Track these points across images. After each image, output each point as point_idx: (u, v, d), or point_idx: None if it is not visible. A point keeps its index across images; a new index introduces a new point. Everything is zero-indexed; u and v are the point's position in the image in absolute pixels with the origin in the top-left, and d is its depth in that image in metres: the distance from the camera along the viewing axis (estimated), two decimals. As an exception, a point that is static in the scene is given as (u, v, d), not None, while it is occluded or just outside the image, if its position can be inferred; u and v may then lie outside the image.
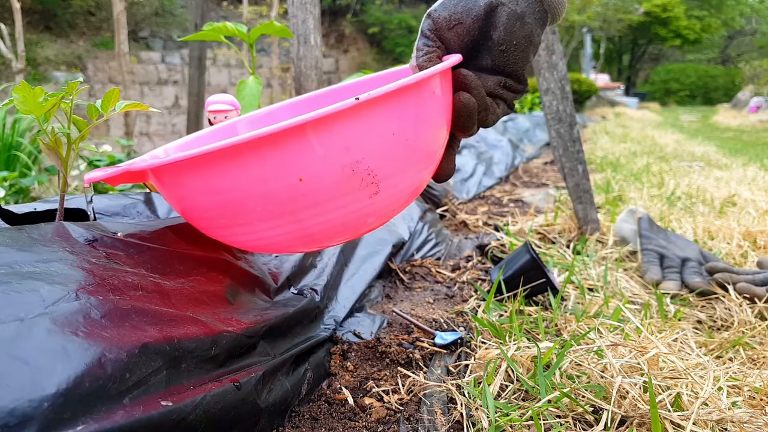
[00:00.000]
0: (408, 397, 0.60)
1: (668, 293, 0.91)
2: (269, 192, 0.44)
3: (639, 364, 0.57)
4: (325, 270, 0.78)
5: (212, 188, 0.45)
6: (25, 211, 0.59)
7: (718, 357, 0.71)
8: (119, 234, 0.51)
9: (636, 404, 0.52)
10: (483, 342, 0.71)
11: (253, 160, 0.42)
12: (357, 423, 0.55)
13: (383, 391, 0.61)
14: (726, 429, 0.51)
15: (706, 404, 0.52)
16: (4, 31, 2.82)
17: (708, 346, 0.73)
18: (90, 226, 0.50)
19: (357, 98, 0.41)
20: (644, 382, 0.54)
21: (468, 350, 0.71)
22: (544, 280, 0.83)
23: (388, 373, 0.65)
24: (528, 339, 0.70)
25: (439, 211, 1.48)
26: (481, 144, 2.34)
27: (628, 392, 0.53)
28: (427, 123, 0.47)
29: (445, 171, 0.54)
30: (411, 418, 0.56)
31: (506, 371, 0.61)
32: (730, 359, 0.70)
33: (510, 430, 0.51)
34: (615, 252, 1.11)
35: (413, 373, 0.64)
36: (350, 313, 0.80)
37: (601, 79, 11.27)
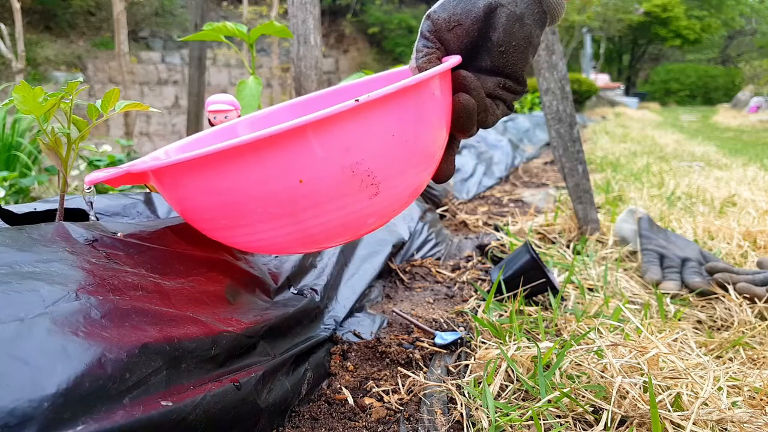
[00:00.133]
0: (408, 397, 0.60)
1: (668, 293, 0.91)
2: (269, 193, 0.44)
3: (639, 364, 0.57)
4: (325, 270, 0.78)
5: (213, 190, 0.45)
6: (25, 211, 0.59)
7: (718, 357, 0.71)
8: (119, 234, 0.51)
9: (636, 404, 0.52)
10: (483, 342, 0.71)
11: (254, 161, 0.42)
12: (357, 423, 0.55)
13: (383, 391, 0.61)
14: (726, 429, 0.51)
15: (706, 404, 0.53)
16: (4, 31, 2.82)
17: (708, 346, 0.73)
18: (90, 226, 0.50)
19: (357, 100, 0.41)
20: (644, 382, 0.54)
21: (468, 350, 0.71)
22: (544, 280, 0.83)
23: (388, 373, 0.65)
24: (528, 339, 0.70)
25: (439, 211, 1.48)
26: (481, 144, 2.34)
27: (628, 392, 0.53)
28: (426, 124, 0.47)
29: (444, 172, 0.54)
30: (411, 418, 0.56)
31: (506, 371, 0.61)
32: (730, 359, 0.70)
33: (510, 430, 0.51)
34: (615, 252, 1.11)
35: (413, 373, 0.64)
36: (350, 313, 0.80)
37: (601, 79, 11.27)
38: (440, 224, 1.33)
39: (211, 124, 0.74)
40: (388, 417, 0.56)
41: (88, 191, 0.53)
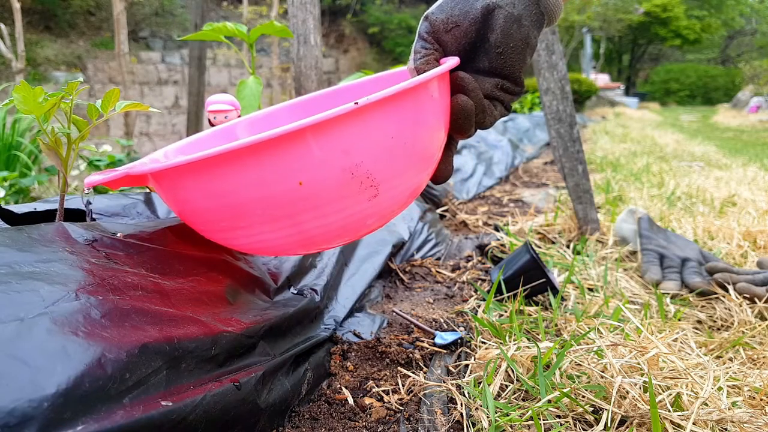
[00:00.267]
0: (408, 397, 0.60)
1: (668, 293, 0.91)
2: (269, 196, 0.44)
3: (639, 364, 0.57)
4: (325, 270, 0.78)
5: (212, 192, 0.45)
6: (25, 211, 0.59)
7: (718, 357, 0.70)
8: (119, 234, 0.51)
9: (636, 404, 0.52)
10: (483, 342, 0.71)
11: (253, 164, 0.42)
12: (357, 423, 0.55)
13: (383, 391, 0.61)
14: (726, 429, 0.51)
15: (706, 404, 0.53)
16: (4, 31, 2.82)
17: (708, 346, 0.73)
18: (90, 227, 0.50)
19: (356, 103, 0.42)
20: (644, 382, 0.54)
21: (468, 350, 0.71)
22: (544, 280, 0.83)
23: (388, 373, 0.65)
24: (528, 339, 0.70)
25: (439, 211, 1.48)
26: (481, 144, 2.34)
27: (628, 392, 0.53)
28: (425, 126, 0.47)
29: (443, 173, 0.54)
30: (411, 418, 0.56)
31: (506, 371, 0.61)
32: (730, 359, 0.70)
33: (510, 430, 0.51)
34: (615, 252, 1.11)
35: (413, 373, 0.64)
36: (350, 313, 0.80)
37: (601, 79, 11.27)
38: (440, 224, 1.33)
39: (211, 124, 0.74)
40: (388, 417, 0.56)
41: (86, 193, 0.53)
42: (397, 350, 0.69)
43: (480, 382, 0.60)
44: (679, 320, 0.80)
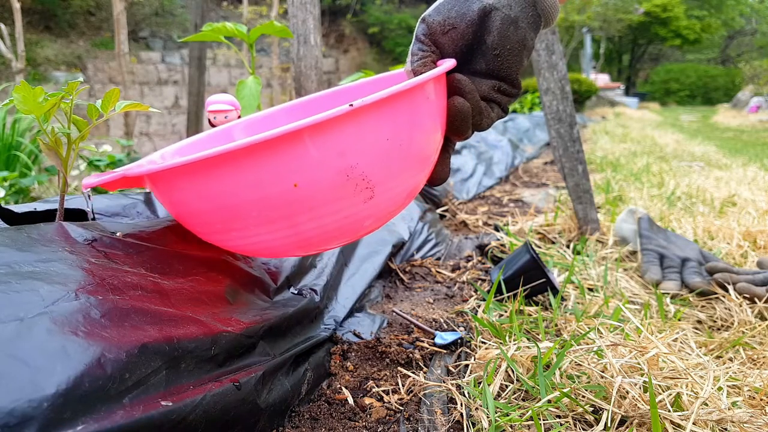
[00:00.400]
0: (408, 397, 0.60)
1: (668, 293, 0.91)
2: (264, 198, 0.44)
3: (639, 364, 0.57)
4: (324, 270, 0.78)
5: (208, 194, 0.45)
6: (25, 210, 0.59)
7: (718, 357, 0.70)
8: (118, 234, 0.51)
9: (636, 404, 0.52)
10: (483, 342, 0.71)
11: (248, 166, 0.42)
12: (357, 423, 0.55)
13: (383, 391, 0.61)
14: (726, 429, 0.51)
15: (706, 404, 0.52)
16: (4, 31, 2.82)
17: (708, 346, 0.73)
18: (89, 226, 0.50)
19: (351, 105, 0.42)
20: (644, 382, 0.54)
21: (468, 350, 0.71)
22: (544, 280, 0.83)
23: (388, 373, 0.65)
24: (528, 339, 0.70)
25: (439, 211, 1.48)
26: (481, 144, 2.34)
27: (628, 392, 0.53)
28: (421, 128, 0.47)
29: (440, 174, 0.54)
30: (411, 418, 0.56)
31: (506, 371, 0.61)
32: (730, 359, 0.70)
33: (510, 430, 0.51)
34: (615, 252, 1.11)
35: (413, 373, 0.64)
36: (350, 313, 0.80)
37: (601, 79, 11.27)
38: (440, 224, 1.33)
39: (211, 124, 0.74)
40: (388, 417, 0.56)
41: (88, 195, 0.53)
42: (397, 350, 0.68)
43: (480, 382, 0.60)
44: (679, 320, 0.80)
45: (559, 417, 0.53)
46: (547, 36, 1.11)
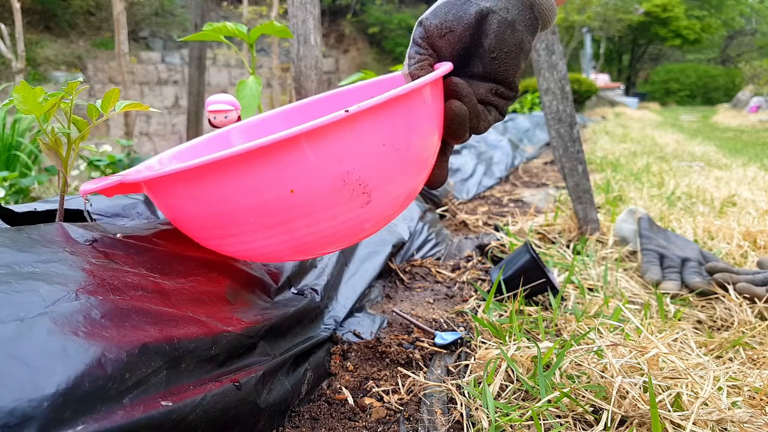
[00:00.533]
0: (408, 397, 0.60)
1: (668, 293, 0.91)
2: (260, 203, 0.44)
3: (639, 364, 0.57)
4: (325, 270, 0.78)
5: (204, 200, 0.45)
6: (25, 211, 0.59)
7: (718, 357, 0.71)
8: (118, 234, 0.51)
9: (636, 404, 0.52)
10: (483, 342, 0.71)
11: (244, 172, 0.43)
12: (357, 423, 0.55)
13: (383, 391, 0.61)
14: (726, 429, 0.51)
15: (706, 404, 0.52)
16: (4, 31, 2.82)
17: (708, 346, 0.73)
18: (89, 227, 0.50)
19: (346, 110, 0.41)
20: (644, 382, 0.54)
21: (468, 350, 0.71)
22: (544, 280, 0.83)
23: (388, 373, 0.65)
24: (528, 339, 0.70)
25: (439, 211, 1.48)
26: (481, 144, 2.34)
27: (628, 392, 0.53)
28: (418, 132, 0.47)
29: (437, 178, 0.54)
30: (411, 418, 0.56)
31: (506, 371, 0.61)
32: (730, 359, 0.70)
33: (510, 430, 0.51)
34: (615, 252, 1.11)
35: (413, 373, 0.64)
36: (350, 313, 0.80)
37: (601, 79, 11.27)
38: (440, 224, 1.33)
39: (211, 124, 0.74)
40: (388, 417, 0.56)
41: (88, 203, 0.53)
42: (397, 350, 0.69)
43: (480, 382, 0.60)
44: (679, 320, 0.80)
45: (559, 417, 0.53)
46: (547, 36, 1.11)
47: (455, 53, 0.51)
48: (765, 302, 0.84)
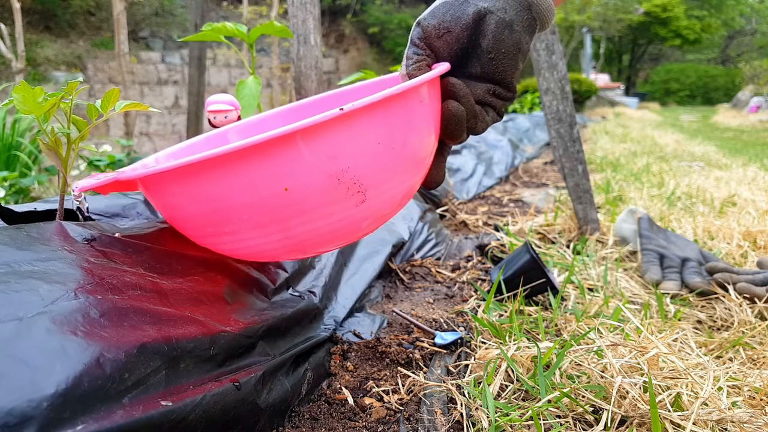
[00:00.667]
0: (408, 397, 0.59)
1: (668, 293, 0.91)
2: (255, 201, 0.44)
3: (639, 364, 0.57)
4: (324, 270, 0.78)
5: (199, 198, 0.45)
6: (24, 210, 0.59)
7: (718, 357, 0.70)
8: (117, 234, 0.51)
9: (636, 404, 0.52)
10: (483, 342, 0.71)
11: (238, 169, 0.42)
12: (357, 423, 0.55)
13: (383, 391, 0.61)
14: (726, 429, 0.51)
15: (706, 404, 0.52)
16: (4, 31, 2.82)
17: (708, 346, 0.73)
18: (88, 226, 0.50)
19: (341, 108, 0.41)
20: (644, 382, 0.54)
21: (468, 350, 0.71)
22: (544, 280, 0.83)
23: (388, 373, 0.64)
24: (528, 339, 0.70)
25: (439, 211, 1.48)
26: (481, 144, 2.34)
27: (628, 392, 0.53)
28: (414, 132, 0.47)
29: (434, 178, 0.54)
30: (411, 418, 0.56)
31: (506, 371, 0.61)
32: (730, 359, 0.70)
33: (510, 430, 0.51)
34: (615, 252, 1.11)
35: (413, 373, 0.64)
36: (350, 313, 0.80)
37: (601, 79, 11.26)
38: (440, 224, 1.33)
39: (211, 124, 0.74)
40: (388, 417, 0.56)
41: (76, 196, 0.53)
42: (397, 350, 0.68)
43: (480, 382, 0.60)
44: (679, 320, 0.80)
45: (559, 417, 0.53)
46: (547, 36, 1.11)
47: (453, 54, 0.51)
48: (765, 302, 0.83)
